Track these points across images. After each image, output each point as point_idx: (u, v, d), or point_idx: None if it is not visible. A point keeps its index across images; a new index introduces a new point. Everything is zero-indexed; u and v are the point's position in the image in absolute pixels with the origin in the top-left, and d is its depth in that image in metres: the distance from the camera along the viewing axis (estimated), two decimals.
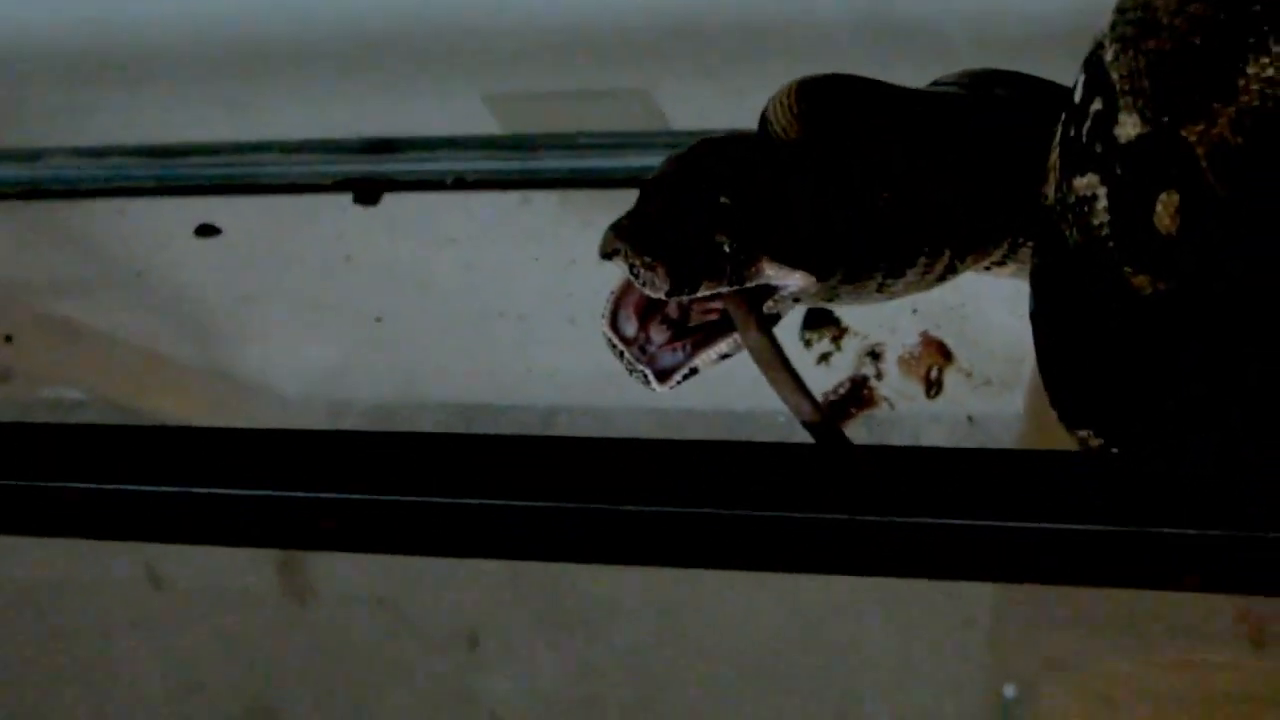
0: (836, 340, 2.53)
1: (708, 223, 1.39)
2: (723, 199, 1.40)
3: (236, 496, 1.48)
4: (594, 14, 2.68)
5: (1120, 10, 1.35)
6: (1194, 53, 1.29)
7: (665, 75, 2.72)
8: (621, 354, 1.45)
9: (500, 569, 2.76)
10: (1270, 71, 1.27)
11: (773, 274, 1.42)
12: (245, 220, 2.90)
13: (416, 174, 2.84)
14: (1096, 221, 1.34)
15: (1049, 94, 1.62)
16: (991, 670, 2.73)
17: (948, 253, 1.53)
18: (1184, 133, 1.29)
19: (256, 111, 2.90)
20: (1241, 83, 1.27)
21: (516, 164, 2.81)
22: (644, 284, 1.37)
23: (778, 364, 1.43)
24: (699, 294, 1.39)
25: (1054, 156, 1.43)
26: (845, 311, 2.51)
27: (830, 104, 1.50)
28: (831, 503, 1.37)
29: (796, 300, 1.46)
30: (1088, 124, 1.36)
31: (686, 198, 1.41)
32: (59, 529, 1.57)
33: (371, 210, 2.83)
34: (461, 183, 2.81)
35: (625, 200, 2.76)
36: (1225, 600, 2.33)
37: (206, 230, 2.88)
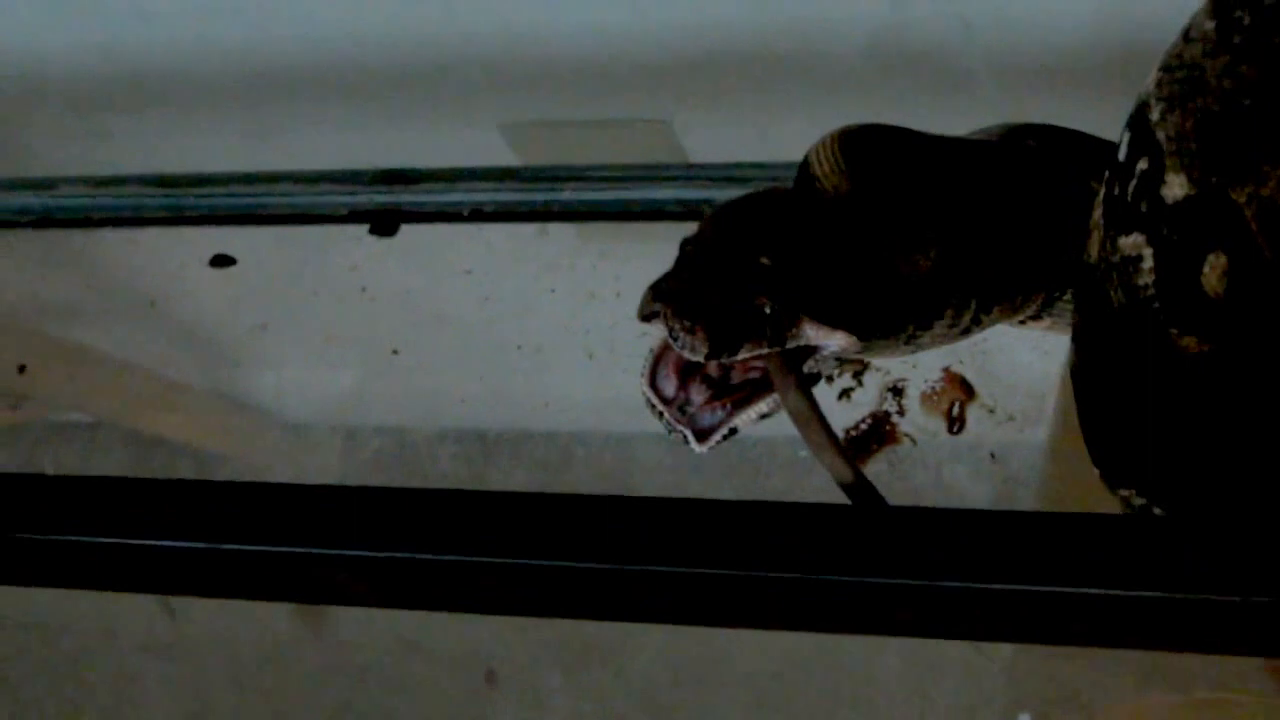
0: (858, 376, 2.51)
1: (748, 285, 1.37)
2: (763, 260, 1.39)
3: (255, 552, 1.46)
4: (612, 45, 2.67)
5: (1166, 69, 1.34)
6: (1244, 114, 1.27)
7: (683, 106, 2.71)
8: (661, 414, 1.44)
9: None
10: None
11: (814, 334, 1.40)
12: (260, 251, 2.88)
13: (433, 205, 2.83)
14: (1142, 282, 1.33)
15: (1083, 147, 1.61)
16: (1008, 699, 2.71)
17: (974, 304, 1.52)
18: (1233, 194, 1.27)
19: (271, 141, 2.88)
20: None
21: (534, 195, 2.79)
22: (684, 347, 1.36)
23: (816, 425, 1.42)
24: (739, 356, 1.38)
25: (1097, 214, 1.41)
26: None
27: (876, 156, 1.48)
28: (867, 565, 1.36)
29: (839, 359, 1.45)
30: (1133, 183, 1.34)
31: (726, 259, 1.39)
32: (78, 581, 1.56)
33: (388, 241, 2.82)
34: (479, 214, 2.80)
35: (643, 232, 2.76)
36: None
37: (221, 260, 2.86)
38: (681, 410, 1.43)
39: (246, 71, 2.81)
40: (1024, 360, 2.46)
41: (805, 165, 1.50)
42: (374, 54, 2.75)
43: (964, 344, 2.47)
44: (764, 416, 1.45)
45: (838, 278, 1.40)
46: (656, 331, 1.40)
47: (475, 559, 1.41)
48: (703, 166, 2.70)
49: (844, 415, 2.52)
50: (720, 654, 2.83)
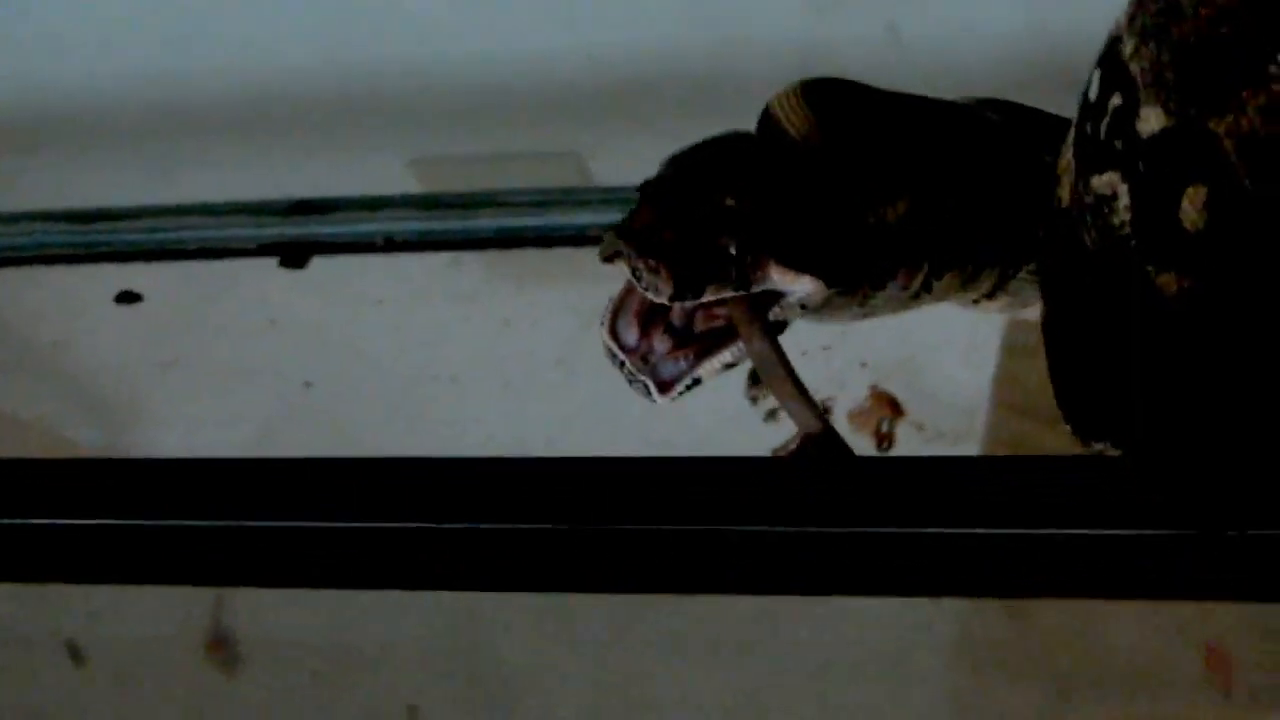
0: None
1: (712, 225, 1.35)
2: (728, 200, 1.36)
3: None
4: (520, 77, 2.64)
5: (1139, 2, 1.31)
6: (1223, 41, 1.25)
7: (594, 136, 2.69)
8: (622, 364, 1.41)
9: (440, 644, 2.69)
10: None
11: (779, 278, 1.38)
12: (167, 287, 2.83)
13: (344, 236, 2.79)
14: (1117, 220, 1.30)
15: (1043, 123, 1.60)
16: None
17: (926, 267, 1.49)
18: (1211, 124, 1.24)
19: (178, 175, 2.84)
20: (1273, 69, 1.23)
21: (447, 224, 2.76)
22: (647, 288, 1.33)
23: (782, 372, 1.39)
24: (704, 299, 1.35)
25: (1066, 159, 1.39)
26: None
27: (842, 106, 1.46)
28: (837, 517, 1.33)
29: (804, 307, 1.42)
30: (1106, 120, 1.31)
31: (689, 199, 1.36)
32: None
33: (298, 274, 2.77)
34: (391, 244, 2.76)
35: (558, 260, 2.72)
36: (1194, 649, 2.30)
37: (127, 297, 2.80)
38: (644, 359, 1.40)
39: (152, 104, 2.76)
40: (953, 375, 2.44)
41: (767, 115, 1.47)
42: (282, 86, 2.72)
43: (893, 361, 2.47)
44: (728, 366, 1.43)
45: (804, 222, 1.38)
46: (618, 273, 1.37)
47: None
48: (617, 190, 2.68)
49: (772, 436, 2.48)
50: (650, 697, 2.79)
